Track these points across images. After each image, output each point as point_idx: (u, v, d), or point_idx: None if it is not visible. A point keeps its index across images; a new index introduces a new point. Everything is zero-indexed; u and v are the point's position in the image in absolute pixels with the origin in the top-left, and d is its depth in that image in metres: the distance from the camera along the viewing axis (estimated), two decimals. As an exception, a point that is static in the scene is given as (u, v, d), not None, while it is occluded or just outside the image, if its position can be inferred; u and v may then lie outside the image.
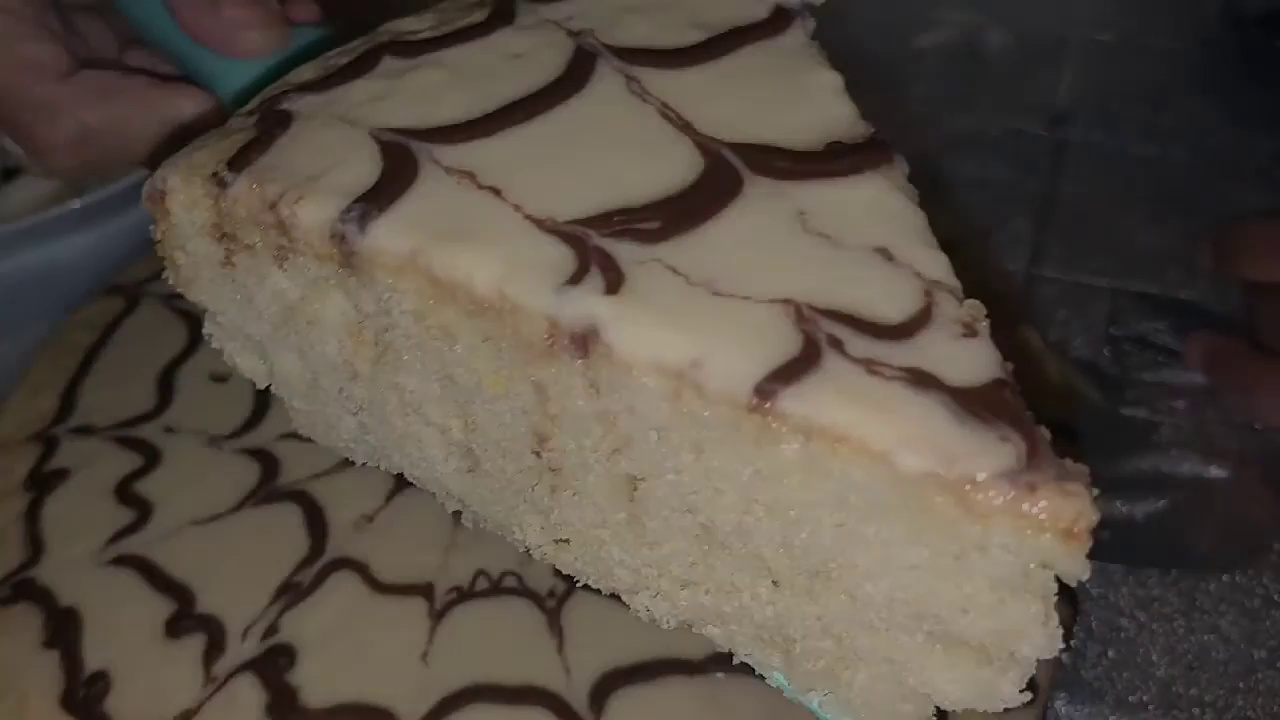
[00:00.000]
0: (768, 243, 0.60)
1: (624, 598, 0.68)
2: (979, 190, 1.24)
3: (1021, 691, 0.57)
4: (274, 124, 0.70)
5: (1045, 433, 0.52)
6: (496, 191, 0.64)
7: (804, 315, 0.56)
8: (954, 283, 0.58)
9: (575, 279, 0.59)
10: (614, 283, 0.58)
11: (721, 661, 0.76)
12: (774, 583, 0.61)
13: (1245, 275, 1.10)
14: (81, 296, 1.07)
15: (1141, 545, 0.95)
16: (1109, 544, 0.89)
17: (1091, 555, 0.90)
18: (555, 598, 0.82)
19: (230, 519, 0.88)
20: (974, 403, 0.53)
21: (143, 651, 0.81)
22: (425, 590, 0.83)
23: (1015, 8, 1.47)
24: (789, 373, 0.54)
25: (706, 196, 0.62)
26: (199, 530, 0.87)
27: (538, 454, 0.65)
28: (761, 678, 0.69)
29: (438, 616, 0.82)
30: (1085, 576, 0.52)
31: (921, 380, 0.54)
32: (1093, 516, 0.50)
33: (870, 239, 0.60)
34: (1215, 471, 0.99)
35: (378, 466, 0.77)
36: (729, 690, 0.75)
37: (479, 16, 0.76)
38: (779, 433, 0.55)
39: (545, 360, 0.60)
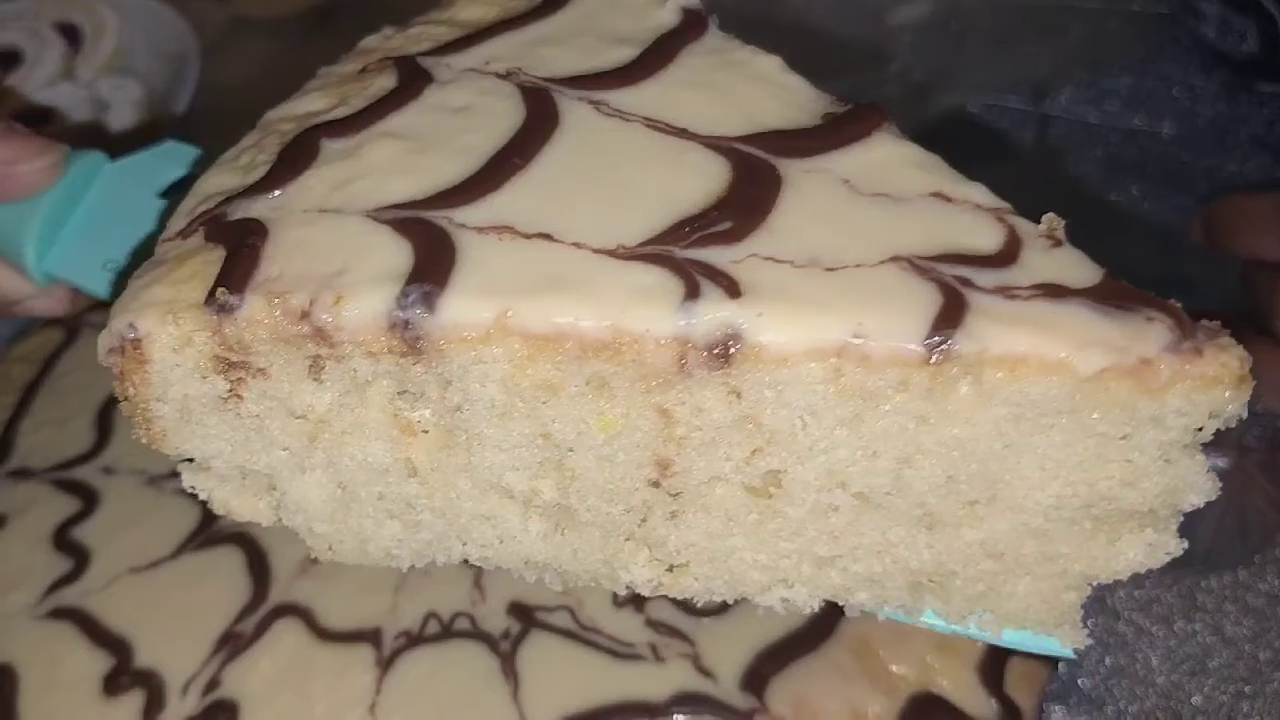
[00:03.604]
0: (838, 213, 0.59)
1: (755, 599, 0.66)
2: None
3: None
4: (245, 235, 0.61)
5: (1176, 303, 0.56)
6: (547, 236, 0.59)
7: (919, 266, 0.57)
8: (1008, 205, 0.61)
9: (692, 294, 0.56)
10: (731, 287, 0.56)
11: (684, 703, 0.76)
12: (929, 527, 0.61)
13: (1241, 252, 0.98)
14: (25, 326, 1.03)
15: None
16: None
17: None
18: (509, 639, 0.78)
19: (170, 565, 0.83)
20: (1106, 297, 0.56)
21: (80, 710, 0.77)
22: (373, 636, 0.79)
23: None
24: (948, 318, 0.54)
25: (757, 188, 0.61)
26: (138, 578, 0.82)
27: (656, 484, 0.61)
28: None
29: (386, 664, 0.77)
30: (1246, 415, 0.56)
31: (1054, 292, 0.56)
32: (1249, 359, 0.54)
33: (921, 187, 0.61)
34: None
35: (431, 561, 0.69)
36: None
37: (388, 81, 0.70)
38: (951, 376, 0.55)
39: (673, 383, 0.57)
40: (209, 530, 0.85)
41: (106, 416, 0.94)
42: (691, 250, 0.58)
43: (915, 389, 0.55)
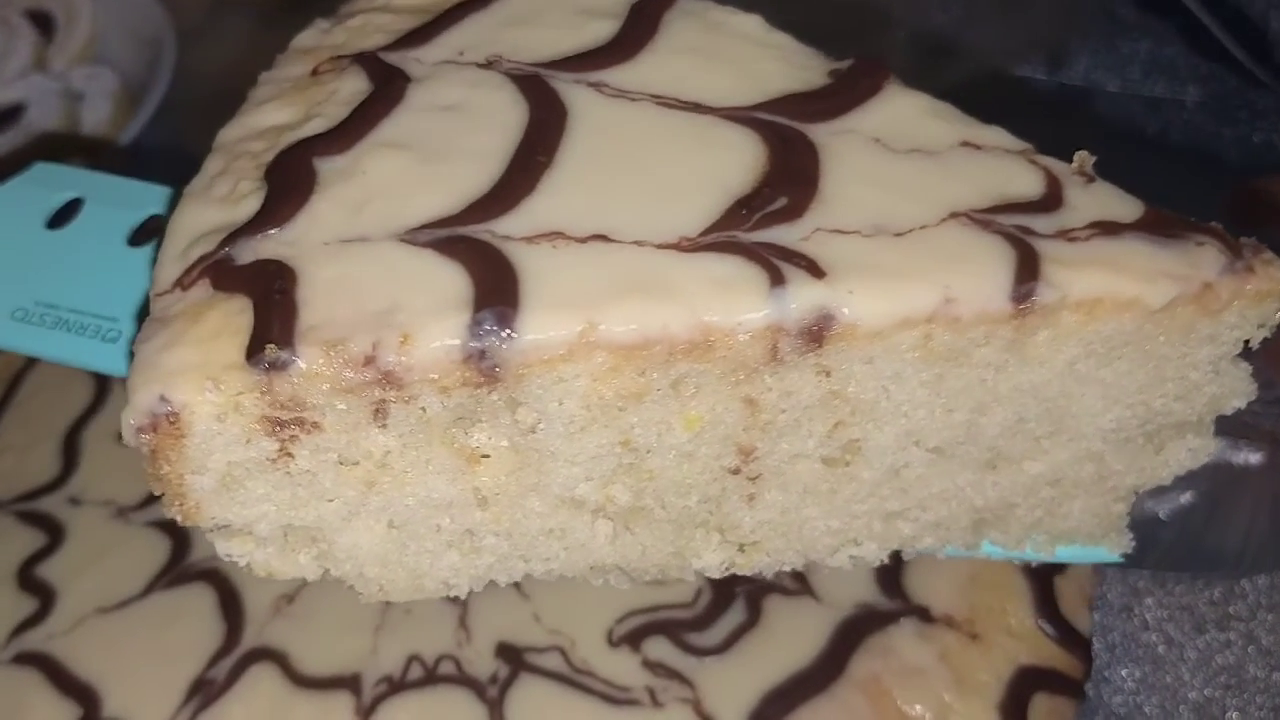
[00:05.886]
0: (884, 175, 0.58)
1: (824, 561, 0.65)
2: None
3: None
4: (271, 280, 0.54)
5: (1217, 225, 0.58)
6: (603, 237, 0.56)
7: (979, 220, 0.57)
8: (1030, 145, 0.61)
9: (777, 280, 0.54)
10: (812, 267, 0.54)
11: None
12: (994, 466, 0.62)
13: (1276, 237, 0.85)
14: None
15: (1167, 547, 0.75)
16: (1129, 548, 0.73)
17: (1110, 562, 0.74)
18: (497, 684, 0.73)
19: (139, 605, 0.78)
20: (1156, 228, 0.57)
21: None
22: (352, 682, 0.74)
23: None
24: (1027, 270, 0.55)
25: (798, 159, 0.58)
26: (105, 620, 0.77)
27: (736, 471, 0.60)
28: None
29: (366, 714, 0.72)
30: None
31: (1109, 229, 0.57)
32: None
33: (948, 137, 0.60)
34: (1247, 456, 0.75)
35: (491, 583, 0.65)
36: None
37: (356, 84, 0.63)
38: (1033, 325, 0.55)
39: (764, 371, 0.55)
40: (180, 566, 0.79)
41: (73, 441, 0.87)
42: (756, 233, 0.56)
43: (997, 342, 0.56)
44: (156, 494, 0.57)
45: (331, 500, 0.58)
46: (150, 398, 0.53)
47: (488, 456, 0.58)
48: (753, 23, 0.66)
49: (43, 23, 1.23)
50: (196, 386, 0.53)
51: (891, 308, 0.54)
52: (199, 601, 0.77)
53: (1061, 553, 0.67)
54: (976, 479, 0.62)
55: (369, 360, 0.52)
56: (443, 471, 0.58)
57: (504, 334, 0.53)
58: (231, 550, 0.60)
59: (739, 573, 0.65)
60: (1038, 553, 0.67)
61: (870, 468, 0.60)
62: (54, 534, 0.82)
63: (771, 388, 0.56)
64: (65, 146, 1.13)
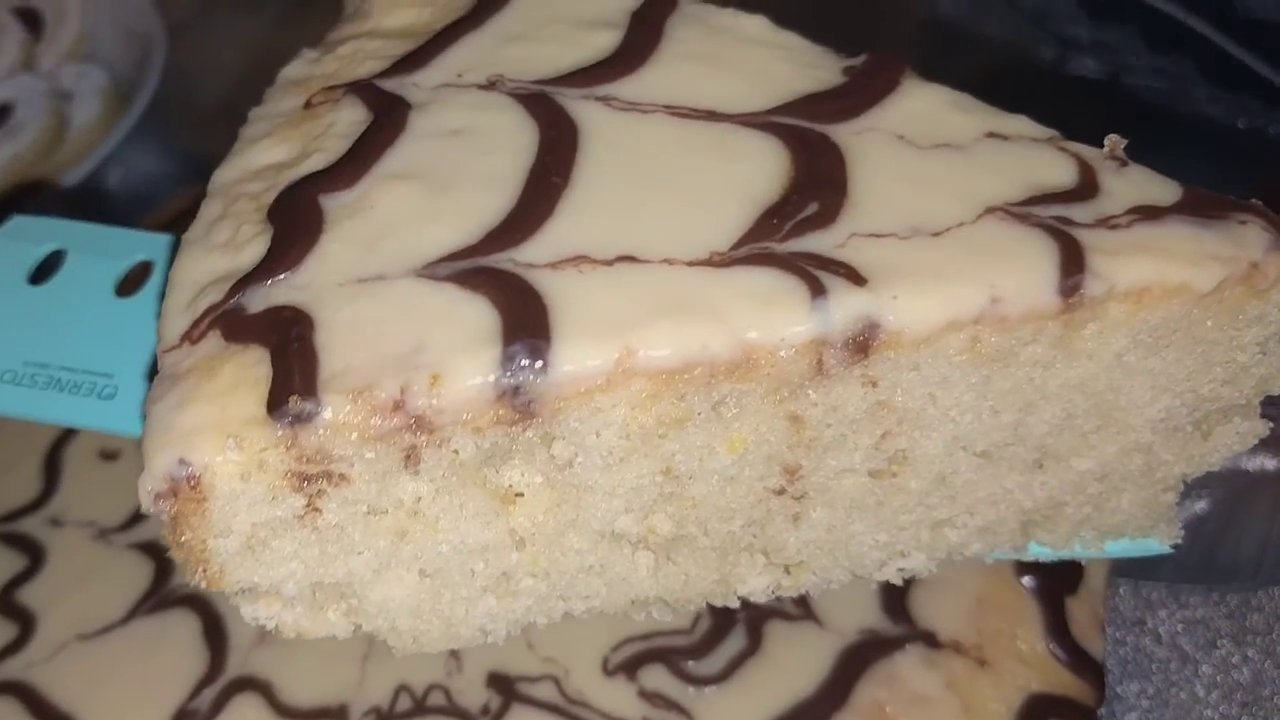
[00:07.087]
0: (913, 173, 0.56)
1: (872, 575, 0.63)
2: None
3: None
4: (286, 327, 0.52)
5: (1257, 201, 0.56)
6: (630, 258, 0.53)
7: (1016, 214, 0.55)
8: (1056, 132, 0.60)
9: (817, 290, 0.51)
10: (851, 274, 0.52)
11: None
12: (1042, 465, 0.60)
13: None
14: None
15: (1180, 558, 0.69)
16: (1141, 559, 0.71)
17: (1121, 573, 0.74)
18: (488, 715, 0.70)
19: (120, 631, 0.75)
20: (1197, 209, 0.55)
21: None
22: (339, 713, 0.71)
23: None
24: (1072, 261, 0.53)
25: (824, 162, 0.56)
26: (86, 647, 0.75)
27: (781, 491, 0.57)
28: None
29: None
30: None
31: (1149, 214, 0.55)
32: None
33: (972, 130, 0.58)
34: (1263, 463, 0.72)
35: (527, 627, 0.63)
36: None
37: (353, 114, 0.60)
38: (1081, 319, 0.53)
39: (808, 386, 0.53)
40: (162, 591, 0.77)
41: (55, 460, 0.85)
42: (790, 242, 0.53)
43: (1045, 339, 0.54)
44: (178, 561, 0.54)
45: (361, 553, 0.56)
46: (168, 461, 0.50)
47: (522, 495, 0.55)
48: (758, 24, 0.64)
49: (31, 20, 1.21)
50: (216, 445, 0.50)
51: (938, 311, 0.52)
52: (182, 628, 0.75)
53: (1111, 548, 0.65)
54: (1024, 480, 0.60)
55: (398, 405, 0.50)
56: (477, 514, 0.55)
57: (537, 367, 0.50)
58: (258, 613, 0.58)
59: (786, 595, 0.63)
60: (1087, 550, 0.65)
61: (918, 477, 0.58)
62: (34, 556, 0.80)
63: (816, 402, 0.54)
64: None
